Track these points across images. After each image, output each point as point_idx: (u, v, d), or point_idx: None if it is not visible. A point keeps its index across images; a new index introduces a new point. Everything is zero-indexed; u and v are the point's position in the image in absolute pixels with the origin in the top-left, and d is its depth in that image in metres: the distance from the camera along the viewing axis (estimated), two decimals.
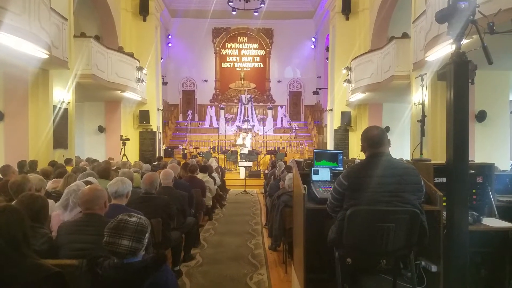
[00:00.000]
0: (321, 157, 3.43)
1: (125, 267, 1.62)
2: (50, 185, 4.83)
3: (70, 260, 2.13)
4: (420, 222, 2.25)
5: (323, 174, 3.20)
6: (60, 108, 8.00)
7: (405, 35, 9.27)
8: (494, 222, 2.70)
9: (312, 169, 3.21)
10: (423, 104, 3.15)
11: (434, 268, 2.79)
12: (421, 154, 3.18)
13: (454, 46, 1.90)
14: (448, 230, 2.35)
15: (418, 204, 2.25)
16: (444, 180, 2.94)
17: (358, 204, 2.23)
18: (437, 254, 2.72)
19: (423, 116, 3.12)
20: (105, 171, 4.73)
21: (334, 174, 3.19)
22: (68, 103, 8.35)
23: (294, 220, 3.44)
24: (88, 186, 2.40)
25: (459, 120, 1.94)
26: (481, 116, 7.21)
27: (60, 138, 8.10)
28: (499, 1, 4.73)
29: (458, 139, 1.98)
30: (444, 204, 2.77)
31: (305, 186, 2.96)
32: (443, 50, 5.98)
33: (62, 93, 8.17)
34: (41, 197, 2.32)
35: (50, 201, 3.37)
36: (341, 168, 3.37)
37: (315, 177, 3.17)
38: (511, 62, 3.76)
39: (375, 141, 2.31)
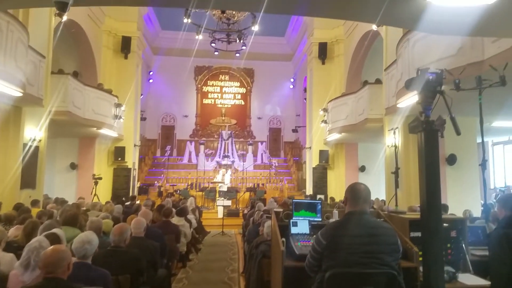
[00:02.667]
0: (299, 207, 3.40)
1: None
2: (12, 232, 4.52)
3: None
4: (398, 284, 2.21)
5: (302, 226, 3.15)
6: (30, 146, 7.70)
7: (378, 81, 9.70)
8: (469, 279, 2.69)
9: (291, 221, 3.16)
10: (396, 156, 3.23)
11: None
12: (397, 205, 3.21)
13: (423, 115, 1.97)
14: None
15: (395, 265, 2.22)
16: (419, 234, 2.96)
17: (336, 265, 2.17)
18: None
19: (397, 168, 3.19)
20: (73, 218, 4.48)
21: (313, 227, 3.15)
22: (40, 140, 8.07)
23: (272, 275, 3.33)
24: (51, 247, 2.24)
25: (431, 186, 1.97)
26: (452, 160, 7.47)
27: (28, 178, 7.72)
28: (464, 56, 5.06)
29: (431, 202, 2.01)
30: (421, 259, 2.76)
31: (283, 240, 2.89)
32: (413, 98, 6.26)
33: (34, 131, 7.91)
34: None
35: (10, 255, 3.15)
36: (320, 219, 3.34)
37: (293, 230, 3.11)
38: (476, 110, 4.00)
39: (359, 195, 2.31)
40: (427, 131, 1.88)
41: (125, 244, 3.45)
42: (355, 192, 2.34)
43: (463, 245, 2.94)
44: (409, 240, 2.83)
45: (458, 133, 1.87)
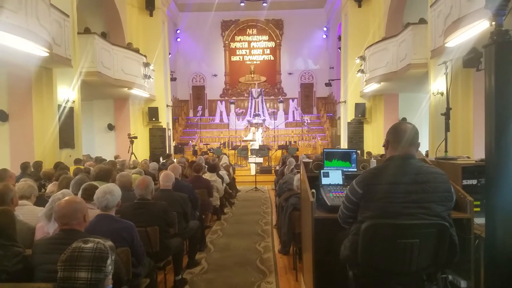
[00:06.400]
0: (332, 157, 3.08)
1: None
2: (50, 188, 4.66)
3: (45, 283, 1.88)
4: (450, 236, 1.90)
5: (334, 177, 2.85)
6: (65, 107, 7.84)
7: (422, 21, 8.74)
8: None
9: (322, 171, 2.87)
10: (448, 94, 2.75)
11: (463, 284, 2.44)
12: (446, 151, 2.80)
13: (494, 23, 1.51)
14: (489, 244, 1.98)
15: (447, 215, 1.90)
16: (474, 182, 2.61)
17: (375, 216, 1.89)
18: (467, 268, 2.38)
19: (448, 108, 2.73)
20: (106, 173, 4.48)
21: (347, 177, 2.85)
22: (74, 101, 8.19)
23: (302, 228, 3.13)
24: (65, 198, 2.13)
25: (501, 113, 1.57)
26: None
27: (66, 138, 7.96)
28: None
29: (500, 135, 1.62)
30: (476, 209, 2.41)
31: (313, 191, 2.62)
32: (465, 35, 5.51)
33: (67, 92, 8.00)
34: (4, 212, 2.06)
35: (40, 209, 3.16)
36: (355, 169, 3.02)
37: (325, 181, 2.83)
38: None
39: (403, 136, 1.94)
40: (499, 44, 1.43)
41: (151, 196, 3.38)
42: (399, 133, 1.97)
43: None
44: (462, 189, 2.47)
45: None
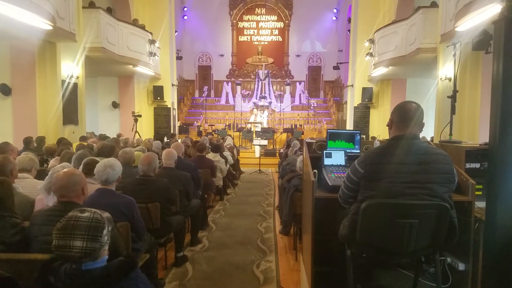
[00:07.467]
0: (335, 138, 3.05)
1: (83, 275, 1.34)
2: (52, 163, 4.67)
3: (42, 254, 1.90)
4: (450, 218, 1.88)
5: (336, 157, 2.82)
6: (69, 82, 7.80)
7: (433, 4, 8.54)
8: None
9: (324, 151, 2.84)
10: (455, 77, 2.67)
11: (461, 266, 2.45)
12: (451, 134, 2.74)
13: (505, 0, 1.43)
14: (489, 227, 1.96)
15: (448, 197, 1.87)
16: (477, 165, 2.57)
17: (375, 196, 1.86)
18: (466, 251, 2.37)
19: (455, 91, 2.64)
20: (109, 149, 4.48)
21: (350, 158, 2.81)
22: (77, 77, 8.13)
23: (303, 208, 3.12)
24: (63, 170, 2.12)
25: (507, 93, 1.50)
26: None
27: (70, 114, 7.95)
28: None
29: (505, 118, 1.56)
30: (478, 193, 2.38)
31: (315, 171, 2.60)
32: (476, 19, 5.36)
33: (71, 67, 7.94)
34: (2, 183, 2.05)
35: (41, 182, 3.17)
36: (358, 151, 2.99)
37: (327, 161, 2.80)
38: None
39: (409, 116, 1.89)
40: (509, 19, 1.35)
41: (153, 173, 3.37)
42: (404, 113, 1.92)
43: None
44: (465, 172, 2.43)
45: None
